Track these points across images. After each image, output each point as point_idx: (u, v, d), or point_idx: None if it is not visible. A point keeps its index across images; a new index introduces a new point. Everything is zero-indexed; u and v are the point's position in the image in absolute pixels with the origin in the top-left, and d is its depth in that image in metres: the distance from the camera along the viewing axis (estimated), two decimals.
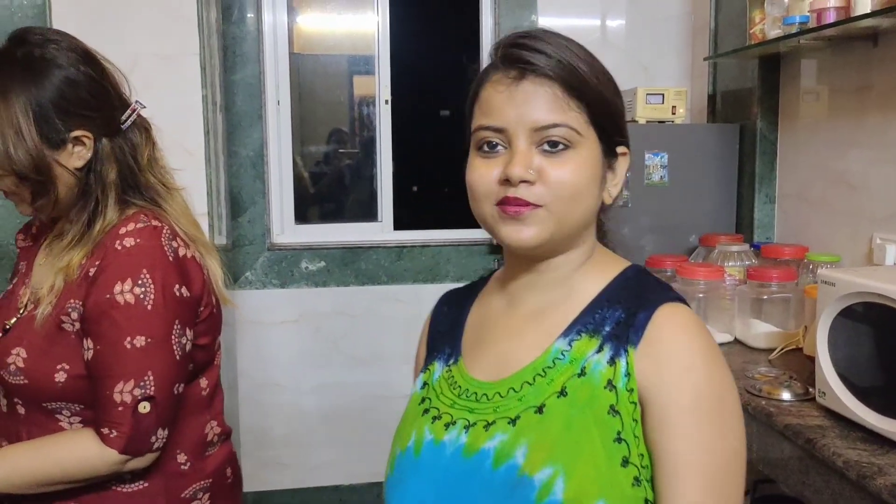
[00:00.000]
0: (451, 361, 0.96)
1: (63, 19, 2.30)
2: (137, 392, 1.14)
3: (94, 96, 1.21)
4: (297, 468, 3.19)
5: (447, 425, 0.89)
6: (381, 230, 3.29)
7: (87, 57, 1.23)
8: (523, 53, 0.85)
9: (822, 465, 1.40)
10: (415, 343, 3.48)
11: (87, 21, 2.31)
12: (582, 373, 0.85)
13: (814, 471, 1.44)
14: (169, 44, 2.36)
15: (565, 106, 0.85)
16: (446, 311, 1.05)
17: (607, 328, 0.86)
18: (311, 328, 3.17)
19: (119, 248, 1.17)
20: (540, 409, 0.84)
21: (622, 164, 0.93)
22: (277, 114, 3.13)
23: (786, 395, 1.61)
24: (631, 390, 0.82)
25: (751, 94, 2.58)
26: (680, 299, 0.88)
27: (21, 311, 1.25)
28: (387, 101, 3.23)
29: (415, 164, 3.33)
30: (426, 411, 0.93)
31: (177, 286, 1.19)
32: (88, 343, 1.17)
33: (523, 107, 0.85)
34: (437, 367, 0.98)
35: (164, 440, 1.19)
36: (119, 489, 1.21)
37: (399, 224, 3.31)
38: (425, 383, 0.98)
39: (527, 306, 0.93)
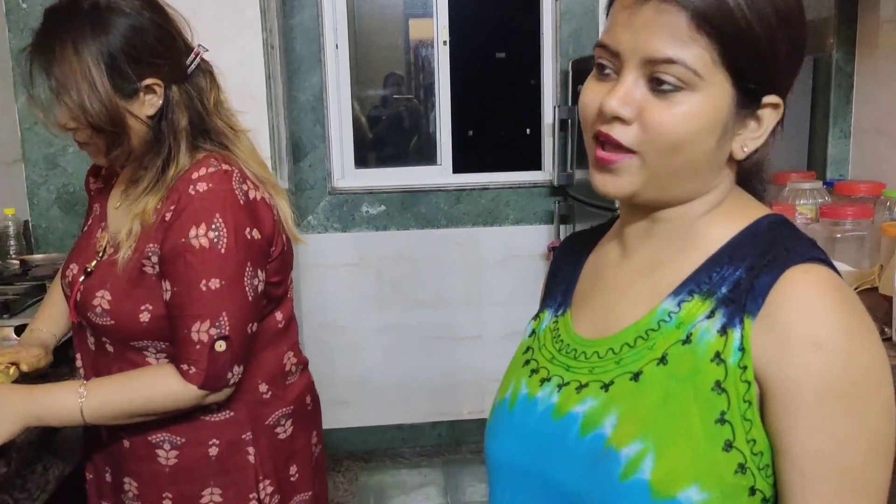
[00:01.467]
0: (560, 312, 0.89)
1: None
2: (213, 332, 1.19)
3: (161, 43, 1.22)
4: (360, 407, 3.27)
5: (542, 381, 0.83)
6: (440, 173, 3.29)
7: (151, 3, 1.24)
8: None
9: None
10: (474, 286, 3.50)
11: None
12: (687, 339, 0.74)
13: None
14: None
15: (688, 39, 0.71)
16: (567, 254, 0.96)
17: (724, 290, 0.75)
18: (373, 271, 3.21)
19: (193, 192, 1.20)
20: (636, 377, 0.76)
21: (769, 116, 0.76)
22: (336, 57, 3.12)
23: None
24: (745, 367, 0.71)
25: (826, 24, 2.46)
26: (820, 259, 0.74)
27: (101, 255, 1.30)
28: (445, 43, 3.19)
29: (471, 107, 3.29)
30: (527, 362, 0.88)
31: (248, 229, 1.22)
32: (167, 285, 1.21)
33: (640, 33, 0.72)
34: (547, 316, 0.91)
35: (240, 376, 1.24)
36: (207, 419, 1.28)
37: (457, 167, 3.30)
38: (533, 331, 0.92)
39: (639, 257, 0.83)
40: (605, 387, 0.77)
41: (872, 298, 1.82)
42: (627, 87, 0.73)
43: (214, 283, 1.18)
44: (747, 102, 0.75)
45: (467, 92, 3.29)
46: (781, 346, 0.70)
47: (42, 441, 1.36)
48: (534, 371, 0.86)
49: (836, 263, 2.04)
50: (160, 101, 1.23)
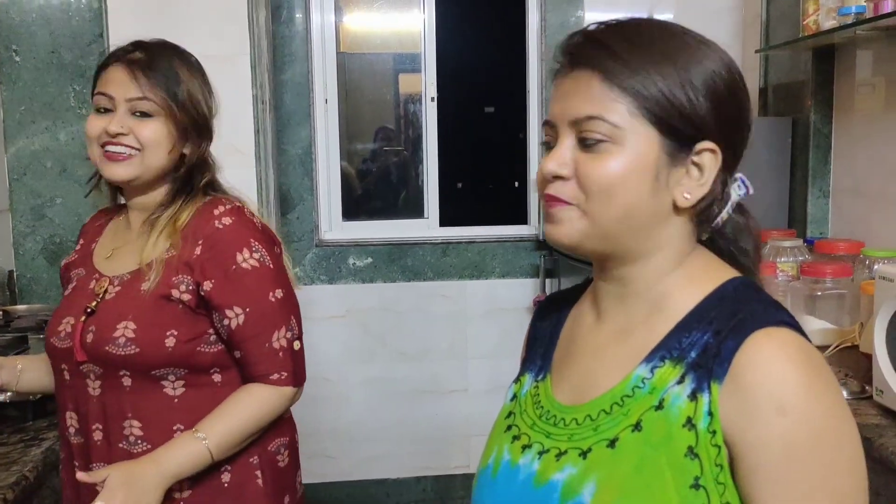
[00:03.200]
0: (540, 377, 0.91)
1: (119, 22, 2.36)
2: (289, 335, 1.33)
3: (208, 102, 1.39)
4: (344, 461, 3.23)
5: (524, 447, 0.84)
6: (427, 227, 3.31)
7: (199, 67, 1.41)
8: (570, 43, 0.81)
9: (880, 464, 1.37)
10: (459, 339, 3.50)
11: (141, 23, 2.36)
12: (660, 405, 0.75)
13: (871, 471, 1.41)
14: (220, 44, 2.40)
15: (603, 97, 0.77)
16: (545, 316, 0.98)
17: (693, 354, 0.76)
18: (359, 323, 3.21)
19: (220, 226, 1.30)
20: (612, 443, 0.76)
21: (709, 162, 0.79)
22: (325, 112, 3.16)
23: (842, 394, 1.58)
24: (714, 432, 0.72)
25: (804, 86, 2.53)
26: (785, 322, 0.75)
27: (100, 297, 1.31)
28: (433, 99, 3.25)
29: (459, 160, 3.34)
30: (509, 427, 0.90)
31: (274, 247, 1.37)
32: (235, 311, 1.29)
33: (564, 100, 0.80)
34: (527, 381, 0.93)
35: None
36: None
37: (444, 220, 3.33)
38: (514, 396, 0.94)
39: (613, 322, 0.85)
40: (584, 454, 0.78)
41: (853, 356, 1.84)
42: (562, 150, 0.80)
43: (278, 294, 1.32)
44: (679, 149, 0.78)
45: (455, 146, 3.33)
46: (746, 409, 0.71)
47: (19, 500, 1.34)
48: (515, 437, 0.87)
49: (816, 321, 2.05)
50: (198, 153, 1.36)
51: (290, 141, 3.10)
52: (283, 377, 1.32)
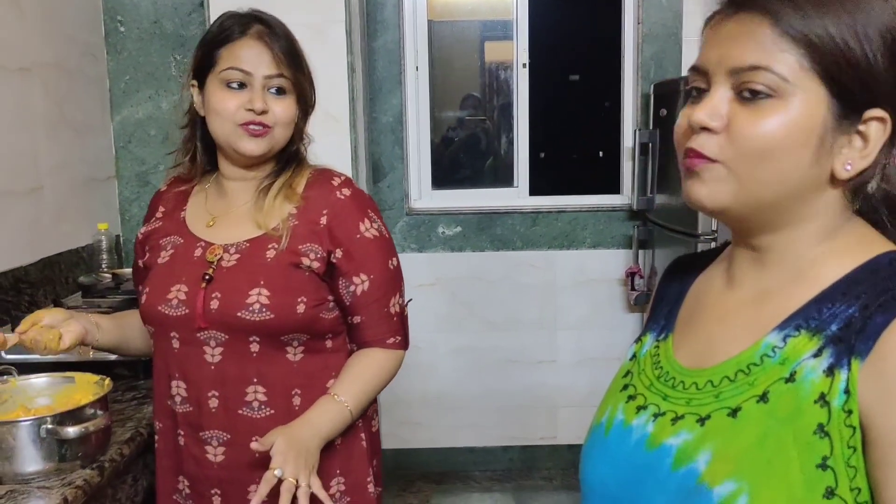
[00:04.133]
0: (662, 336, 0.87)
1: None
2: (401, 300, 1.41)
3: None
4: (433, 428, 3.27)
5: (639, 408, 0.82)
6: (516, 195, 3.28)
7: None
8: None
9: None
10: (548, 310, 3.46)
11: None
12: (791, 378, 0.71)
13: None
14: (316, 13, 2.41)
15: (772, 46, 0.70)
16: (674, 277, 0.94)
17: (833, 327, 0.70)
18: (448, 292, 3.21)
19: (342, 197, 1.36)
20: (734, 413, 0.72)
21: (876, 132, 0.72)
22: (416, 79, 3.16)
23: None
24: (850, 412, 0.67)
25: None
26: None
27: (214, 264, 1.32)
28: (524, 65, 3.19)
29: (545, 129, 3.28)
30: (625, 387, 0.87)
31: (382, 219, 1.43)
32: (361, 278, 1.35)
33: (725, 44, 0.73)
34: (649, 340, 0.90)
35: None
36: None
37: (534, 190, 3.28)
38: (634, 355, 0.91)
39: (746, 287, 0.80)
40: (702, 420, 0.74)
41: None
42: (715, 100, 0.73)
43: (394, 261, 1.40)
44: (848, 114, 0.71)
45: (543, 114, 3.28)
46: (888, 393, 0.66)
47: (134, 455, 1.40)
48: (631, 397, 0.84)
49: None
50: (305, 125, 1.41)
51: (381, 109, 3.10)
52: (397, 341, 1.40)
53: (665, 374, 0.83)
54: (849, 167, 0.72)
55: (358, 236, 1.34)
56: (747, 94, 0.71)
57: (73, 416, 1.25)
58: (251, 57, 1.29)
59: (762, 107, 0.70)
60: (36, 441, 1.22)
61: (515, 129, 3.26)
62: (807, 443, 0.68)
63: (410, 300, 1.46)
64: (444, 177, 3.35)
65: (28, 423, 1.22)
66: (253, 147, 1.31)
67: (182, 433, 1.34)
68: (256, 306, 1.27)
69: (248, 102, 1.29)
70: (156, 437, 1.41)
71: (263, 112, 1.29)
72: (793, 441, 0.68)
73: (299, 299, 1.29)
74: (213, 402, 1.32)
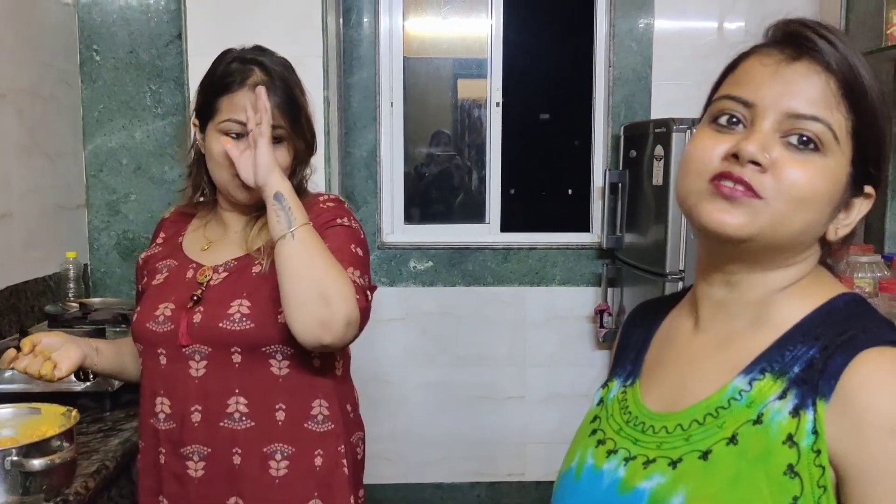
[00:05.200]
0: (629, 382, 0.90)
1: (196, 23, 2.41)
2: (361, 281, 1.32)
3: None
4: (401, 463, 3.24)
5: (609, 452, 0.83)
6: (488, 232, 3.30)
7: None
8: (808, 33, 0.75)
9: None
10: (518, 346, 3.47)
11: (218, 24, 2.41)
12: (758, 420, 0.73)
13: None
14: (294, 46, 2.40)
15: (834, 103, 0.73)
16: (638, 322, 0.96)
17: (796, 369, 0.73)
18: (418, 327, 3.22)
19: (325, 205, 1.40)
20: (705, 455, 0.74)
21: (862, 206, 0.78)
22: (391, 115, 3.19)
23: None
24: (818, 451, 0.69)
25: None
26: None
27: (203, 285, 1.35)
28: (498, 104, 3.25)
29: (514, 167, 3.33)
30: (594, 432, 0.88)
31: (365, 245, 1.41)
32: None
33: (786, 87, 0.74)
34: (616, 385, 0.92)
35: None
36: (313, 429, 1.36)
37: (504, 226, 3.32)
38: (601, 400, 0.93)
39: (712, 330, 0.83)
40: (674, 464, 0.76)
41: None
42: (766, 136, 0.74)
43: (359, 251, 1.36)
44: (853, 186, 0.77)
45: (514, 152, 3.33)
46: (857, 431, 0.68)
47: (99, 488, 1.38)
48: (600, 441, 0.85)
49: None
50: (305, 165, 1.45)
51: (356, 143, 3.13)
52: (357, 298, 1.26)
53: (634, 418, 0.84)
54: (839, 233, 0.78)
55: (333, 225, 1.36)
56: (795, 142, 0.74)
57: (39, 448, 1.23)
58: (246, 108, 1.31)
59: (809, 158, 0.74)
60: (0, 473, 1.20)
61: (488, 166, 3.30)
62: (778, 483, 0.69)
63: (376, 288, 1.40)
64: (416, 212, 3.38)
65: None
66: (247, 197, 1.35)
67: (163, 451, 1.35)
68: (237, 316, 1.29)
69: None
70: (138, 457, 1.41)
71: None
72: (765, 482, 0.70)
73: (279, 310, 1.28)
74: (196, 416, 1.32)
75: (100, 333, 1.89)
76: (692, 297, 0.88)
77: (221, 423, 1.31)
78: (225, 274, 1.36)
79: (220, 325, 1.29)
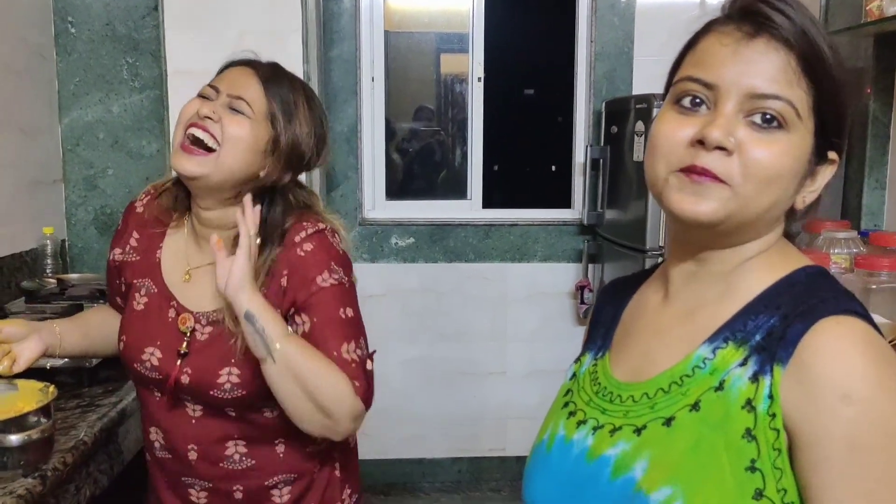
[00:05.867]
0: (599, 355, 0.92)
1: None
2: (359, 352, 1.23)
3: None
4: (382, 439, 3.25)
5: (579, 423, 0.86)
6: (469, 208, 3.30)
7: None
8: (764, 8, 0.74)
9: None
10: (499, 322, 3.48)
11: None
12: (720, 386, 0.75)
13: None
14: (273, 20, 2.40)
15: (794, 79, 0.74)
16: (609, 298, 0.98)
17: (757, 337, 0.75)
18: (399, 303, 3.22)
19: (302, 253, 1.26)
20: (668, 422, 0.77)
21: (826, 172, 0.80)
22: (372, 90, 3.16)
23: None
24: (773, 415, 0.71)
25: (863, 73, 2.47)
26: (856, 311, 0.73)
27: (188, 335, 1.29)
28: (479, 79, 3.23)
29: (498, 143, 3.32)
30: (566, 404, 0.91)
31: (351, 275, 1.31)
32: (302, 318, 1.23)
33: (746, 66, 0.74)
34: (587, 359, 0.94)
35: None
36: (315, 451, 1.33)
37: (486, 202, 3.31)
38: (574, 374, 0.95)
39: (680, 302, 0.85)
40: (638, 431, 0.78)
41: None
42: (729, 119, 0.74)
43: (349, 312, 1.25)
44: (818, 153, 0.78)
45: (497, 127, 3.32)
46: (810, 396, 0.70)
47: (77, 464, 1.38)
48: (571, 413, 0.88)
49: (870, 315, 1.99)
50: (275, 179, 1.29)
51: (337, 118, 3.10)
52: (356, 386, 1.20)
53: (603, 389, 0.86)
54: (806, 201, 0.80)
55: (314, 288, 1.24)
56: (759, 121, 0.74)
57: (16, 423, 1.22)
58: (228, 78, 1.27)
59: (773, 136, 0.75)
60: None
61: (470, 142, 3.29)
62: (736, 447, 0.72)
63: (374, 351, 1.29)
64: (395, 188, 3.37)
65: None
66: (187, 165, 1.21)
67: (164, 477, 1.36)
68: (227, 385, 1.24)
69: (200, 108, 1.23)
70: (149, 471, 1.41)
71: (207, 118, 1.21)
72: (724, 446, 0.72)
73: None
74: (192, 455, 1.30)
75: (77, 309, 1.88)
76: (663, 271, 0.90)
77: (221, 465, 1.30)
78: (210, 328, 1.28)
79: (212, 393, 1.25)
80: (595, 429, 0.83)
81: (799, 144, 0.75)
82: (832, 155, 0.79)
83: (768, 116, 0.74)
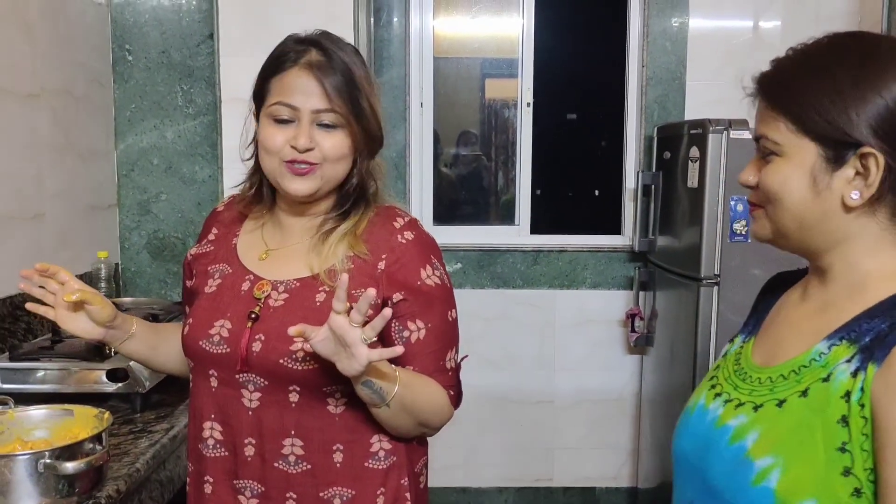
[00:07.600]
0: (747, 338, 1.06)
1: (228, 23, 2.41)
2: (457, 357, 1.30)
3: None
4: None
5: (716, 395, 1.02)
6: (517, 234, 3.27)
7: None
8: (760, 74, 0.96)
9: None
10: (547, 349, 3.44)
11: (251, 23, 2.41)
12: (827, 378, 0.87)
13: None
14: None
15: (770, 119, 0.93)
16: (770, 289, 1.12)
17: (867, 339, 0.87)
18: None
19: (403, 241, 1.26)
20: (781, 404, 0.91)
21: (872, 165, 0.87)
22: (421, 115, 3.17)
23: None
24: (863, 405, 0.83)
25: None
26: None
27: (261, 301, 1.24)
28: (529, 104, 3.21)
29: (543, 167, 3.29)
30: (712, 377, 1.06)
31: (445, 267, 1.34)
32: (417, 325, 1.25)
33: (756, 119, 0.97)
34: (738, 341, 1.09)
35: None
36: (375, 467, 1.26)
37: (532, 228, 3.28)
38: (726, 353, 1.09)
39: (812, 300, 0.98)
40: (756, 408, 0.94)
41: None
42: (753, 162, 0.98)
43: (454, 314, 1.30)
44: (838, 157, 0.88)
45: (543, 152, 3.29)
46: (888, 395, 0.81)
47: (130, 491, 1.37)
48: (713, 386, 1.04)
49: None
50: (370, 163, 1.32)
51: (385, 143, 3.08)
52: (451, 395, 1.26)
53: (741, 369, 1.02)
54: (855, 196, 0.88)
55: (419, 283, 1.23)
56: (763, 154, 0.95)
57: (72, 450, 1.23)
58: (300, 89, 1.22)
59: (770, 162, 0.94)
60: (33, 476, 1.19)
61: (518, 166, 3.27)
62: (832, 430, 0.84)
63: (466, 357, 1.32)
64: (442, 213, 3.35)
65: (26, 457, 1.20)
66: (297, 186, 1.23)
67: (210, 479, 1.26)
68: (300, 354, 1.18)
69: (293, 139, 1.20)
70: (187, 480, 1.33)
71: (308, 150, 1.21)
72: (821, 428, 0.85)
73: None
74: (249, 451, 1.24)
75: None
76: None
77: (276, 464, 1.23)
78: (286, 295, 1.24)
79: (281, 361, 1.19)
80: (726, 402, 0.99)
81: (793, 161, 0.92)
82: (865, 150, 0.86)
83: (764, 150, 0.95)
